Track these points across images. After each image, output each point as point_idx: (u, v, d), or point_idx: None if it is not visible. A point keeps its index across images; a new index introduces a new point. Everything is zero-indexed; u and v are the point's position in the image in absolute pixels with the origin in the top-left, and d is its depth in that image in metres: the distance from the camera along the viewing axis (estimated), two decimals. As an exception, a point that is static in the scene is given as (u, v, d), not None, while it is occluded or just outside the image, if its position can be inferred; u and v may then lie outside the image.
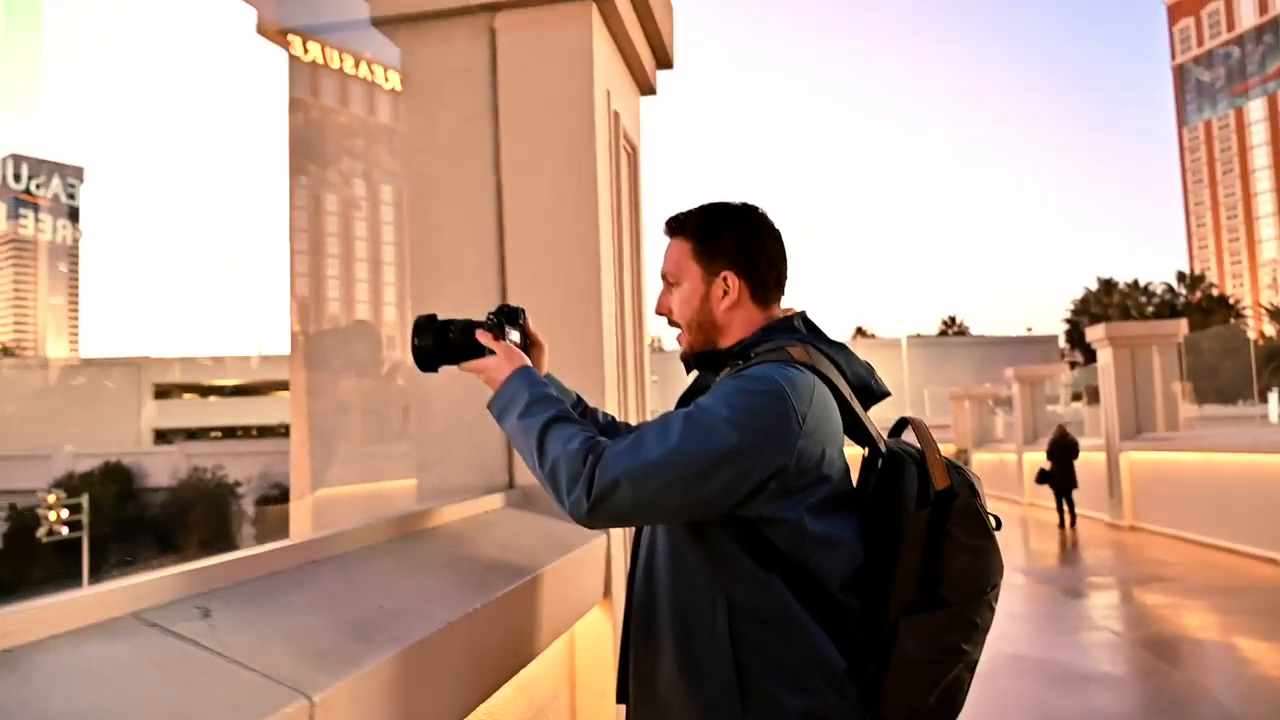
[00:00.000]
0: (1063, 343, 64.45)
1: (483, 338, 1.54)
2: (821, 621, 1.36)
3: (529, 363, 1.53)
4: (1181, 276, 67.26)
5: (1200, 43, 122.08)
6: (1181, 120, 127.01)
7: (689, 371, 1.60)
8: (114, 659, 0.84)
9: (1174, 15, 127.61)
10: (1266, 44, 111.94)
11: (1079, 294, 66.81)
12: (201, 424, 52.06)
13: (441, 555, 1.55)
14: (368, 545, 1.43)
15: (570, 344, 2.16)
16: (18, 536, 30.98)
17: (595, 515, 1.28)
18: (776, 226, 1.55)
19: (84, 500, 30.17)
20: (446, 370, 1.59)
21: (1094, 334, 13.63)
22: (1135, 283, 64.09)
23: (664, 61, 2.93)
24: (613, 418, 1.82)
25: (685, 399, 1.52)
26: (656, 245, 1.62)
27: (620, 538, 2.28)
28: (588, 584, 2.05)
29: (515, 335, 1.58)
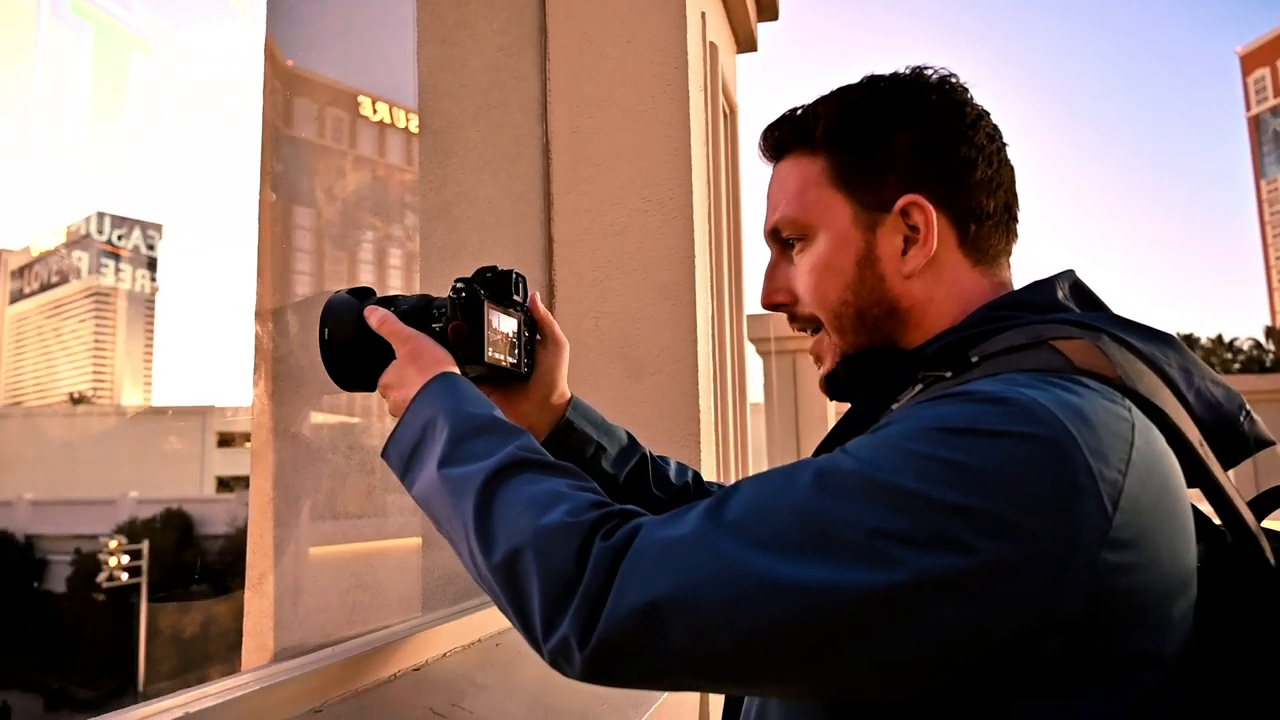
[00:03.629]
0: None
1: (375, 319, 0.86)
2: None
3: (453, 367, 0.82)
4: (1270, 332, 63.96)
5: (1277, 93, 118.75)
6: (1259, 172, 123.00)
7: (834, 397, 0.84)
8: None
9: (1247, 66, 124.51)
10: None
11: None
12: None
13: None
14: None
15: (645, 364, 1.44)
16: (78, 581, 31.55)
17: (603, 675, 0.58)
18: (986, 110, 0.80)
19: (144, 546, 30.32)
20: None
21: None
22: (1219, 338, 61.05)
23: (768, 9, 2.24)
24: (695, 475, 1.07)
25: (832, 443, 0.78)
26: (756, 236, 0.88)
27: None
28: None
29: (507, 322, 0.89)
